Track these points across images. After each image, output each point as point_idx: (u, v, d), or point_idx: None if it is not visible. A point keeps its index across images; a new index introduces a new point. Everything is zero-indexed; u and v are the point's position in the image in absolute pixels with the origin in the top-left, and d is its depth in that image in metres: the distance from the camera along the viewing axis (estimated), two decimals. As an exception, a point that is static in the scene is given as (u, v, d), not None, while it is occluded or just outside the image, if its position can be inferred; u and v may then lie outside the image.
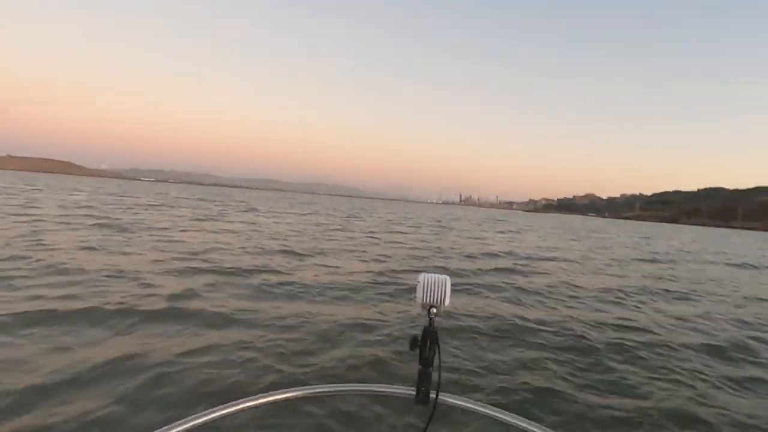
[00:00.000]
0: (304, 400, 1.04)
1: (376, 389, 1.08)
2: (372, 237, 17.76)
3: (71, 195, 32.43)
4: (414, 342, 1.01)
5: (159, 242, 10.98)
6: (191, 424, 0.79)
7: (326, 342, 4.58)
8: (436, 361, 1.01)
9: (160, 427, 0.78)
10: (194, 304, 5.56)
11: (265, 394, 0.96)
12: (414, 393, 1.01)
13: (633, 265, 15.00)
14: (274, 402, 0.94)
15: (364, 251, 12.62)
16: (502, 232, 28.81)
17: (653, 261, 16.95)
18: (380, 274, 8.99)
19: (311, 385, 1.06)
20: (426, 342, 1.00)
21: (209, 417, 0.83)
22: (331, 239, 15.67)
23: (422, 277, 1.01)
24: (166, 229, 14.32)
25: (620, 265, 14.54)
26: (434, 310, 1.01)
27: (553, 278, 10.45)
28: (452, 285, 1.02)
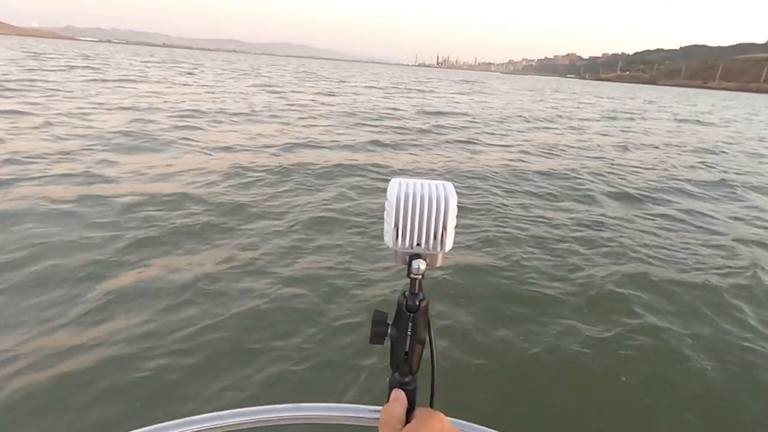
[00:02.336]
0: None
1: (316, 414, 0.58)
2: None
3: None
4: (379, 325, 0.51)
5: None
6: None
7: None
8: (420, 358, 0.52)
9: None
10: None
11: None
12: (376, 418, 0.55)
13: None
14: None
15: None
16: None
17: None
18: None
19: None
20: (404, 328, 0.50)
21: None
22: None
23: (395, 188, 0.47)
24: None
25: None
26: (421, 264, 0.48)
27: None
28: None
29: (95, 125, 8.74)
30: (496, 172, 7.36)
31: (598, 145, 11.36)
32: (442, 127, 12.51)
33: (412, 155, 8.56)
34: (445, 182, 0.48)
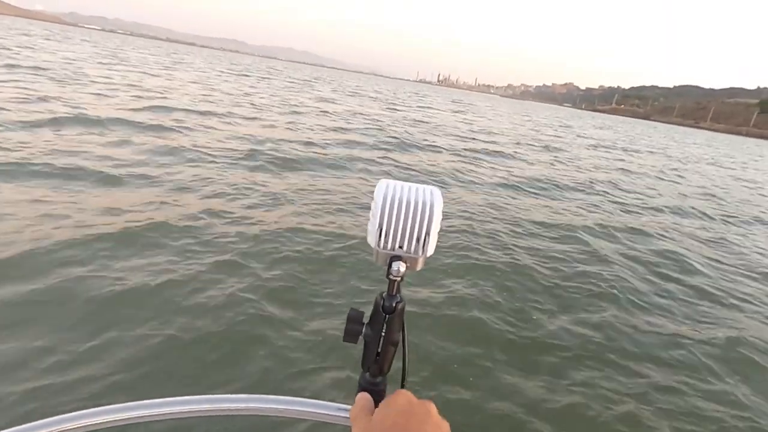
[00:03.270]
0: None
1: (288, 408, 0.58)
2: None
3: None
4: (354, 326, 0.51)
5: None
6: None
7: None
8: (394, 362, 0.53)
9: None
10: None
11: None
12: (345, 416, 0.53)
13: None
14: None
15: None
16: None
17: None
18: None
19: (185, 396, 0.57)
20: (379, 329, 0.50)
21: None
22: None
23: (383, 189, 0.48)
24: None
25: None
26: (401, 267, 0.48)
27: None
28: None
29: None
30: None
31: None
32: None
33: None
34: (433, 187, 0.48)
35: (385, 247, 0.47)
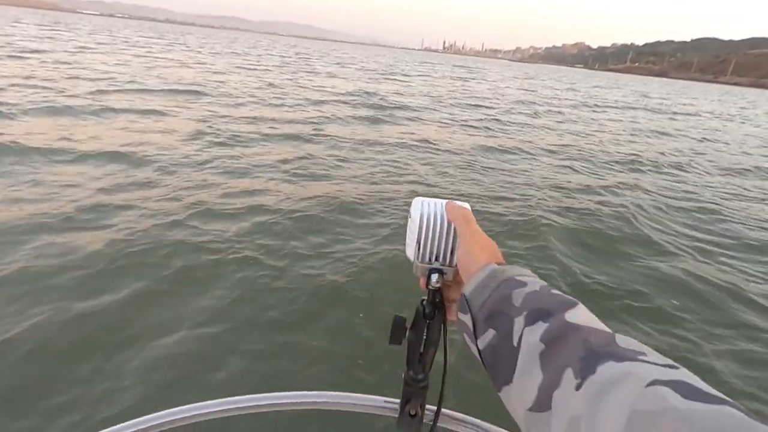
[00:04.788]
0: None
1: (329, 401, 0.65)
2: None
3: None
4: (398, 329, 0.56)
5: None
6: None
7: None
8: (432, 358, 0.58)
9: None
10: None
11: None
12: (397, 410, 0.61)
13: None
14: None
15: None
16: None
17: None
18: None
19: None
20: (421, 333, 0.55)
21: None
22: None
23: (419, 207, 0.54)
24: None
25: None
26: (437, 277, 0.53)
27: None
28: None
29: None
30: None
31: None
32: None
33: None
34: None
35: (423, 260, 0.52)
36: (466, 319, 0.46)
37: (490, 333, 0.43)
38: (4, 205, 3.69)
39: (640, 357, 0.33)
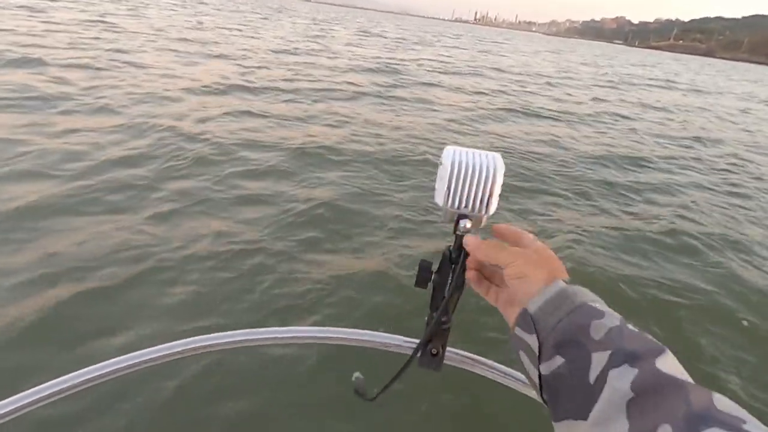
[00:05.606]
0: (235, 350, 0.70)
1: (350, 337, 0.70)
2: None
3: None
4: (424, 271, 0.59)
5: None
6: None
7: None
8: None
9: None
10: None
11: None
12: (412, 348, 0.62)
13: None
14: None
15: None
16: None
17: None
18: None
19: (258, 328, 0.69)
20: (446, 277, 0.58)
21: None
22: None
23: (450, 154, 0.54)
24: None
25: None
26: (467, 224, 0.55)
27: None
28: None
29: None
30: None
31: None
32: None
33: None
34: (495, 153, 0.54)
35: (452, 206, 0.53)
36: (530, 339, 0.44)
37: (559, 360, 0.42)
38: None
39: (744, 426, 0.32)
